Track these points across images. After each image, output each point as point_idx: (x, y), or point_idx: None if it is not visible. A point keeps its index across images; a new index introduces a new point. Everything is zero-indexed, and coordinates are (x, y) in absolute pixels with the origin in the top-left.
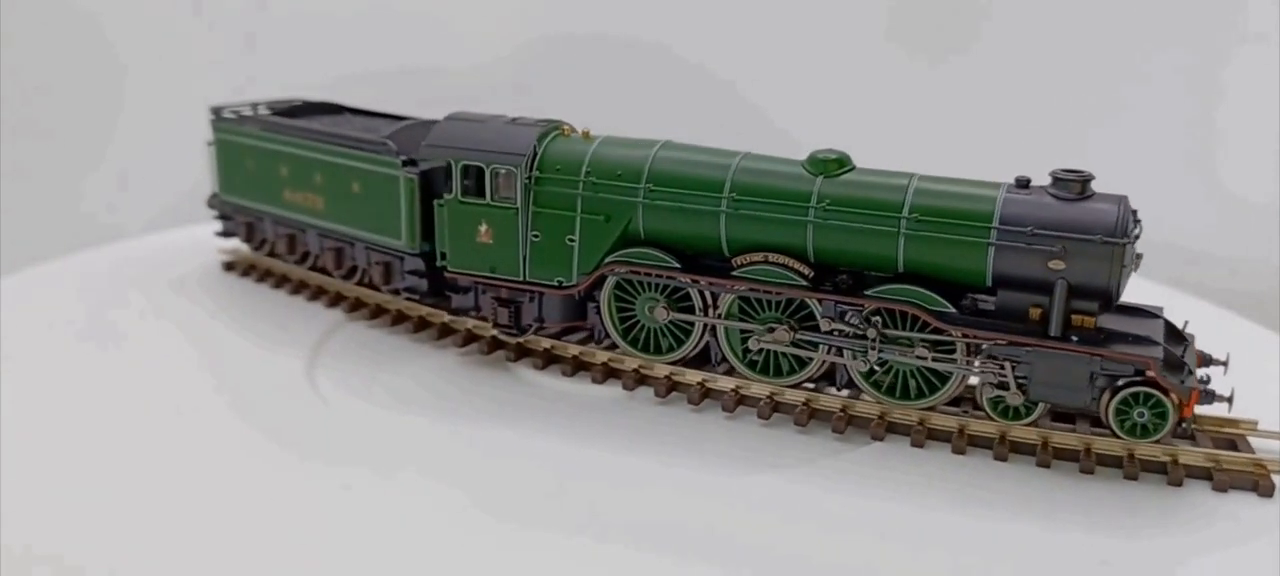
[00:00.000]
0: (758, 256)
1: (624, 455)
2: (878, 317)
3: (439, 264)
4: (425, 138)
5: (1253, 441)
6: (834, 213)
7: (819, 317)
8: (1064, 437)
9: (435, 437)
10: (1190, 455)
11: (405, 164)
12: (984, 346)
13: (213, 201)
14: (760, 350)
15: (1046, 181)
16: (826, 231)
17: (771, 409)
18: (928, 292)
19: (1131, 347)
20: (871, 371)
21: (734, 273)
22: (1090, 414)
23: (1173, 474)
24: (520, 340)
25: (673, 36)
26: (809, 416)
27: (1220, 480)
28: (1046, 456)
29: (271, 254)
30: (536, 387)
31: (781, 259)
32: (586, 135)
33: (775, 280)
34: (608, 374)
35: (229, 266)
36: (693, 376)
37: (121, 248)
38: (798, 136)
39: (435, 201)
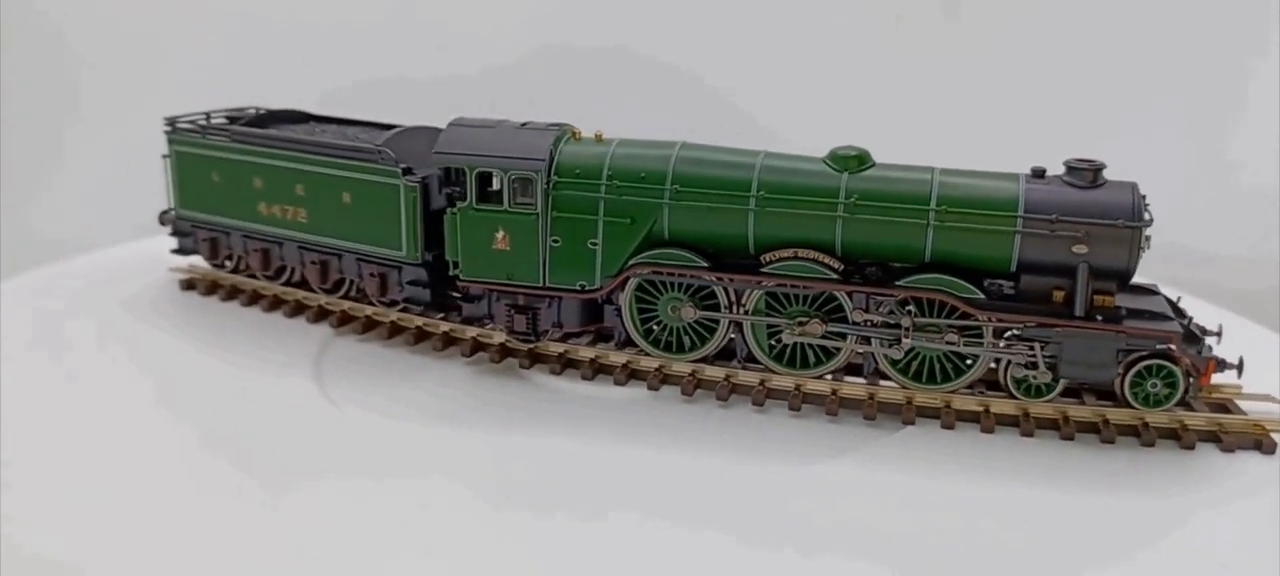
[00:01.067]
0: (787, 252)
1: (681, 454)
2: (911, 307)
3: (452, 273)
4: (412, 145)
5: (1241, 404)
6: (862, 207)
7: (849, 309)
8: (1082, 411)
9: (482, 447)
10: (1196, 420)
11: (404, 172)
12: (1015, 329)
13: (167, 218)
14: (787, 344)
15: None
16: (856, 225)
17: (801, 400)
18: (958, 281)
19: (1149, 323)
20: (899, 358)
21: (764, 269)
22: (1102, 388)
23: (1185, 438)
24: (534, 347)
25: (663, 43)
26: (839, 405)
27: (1228, 441)
28: (1069, 430)
29: (238, 270)
30: (561, 393)
31: (812, 254)
32: (599, 137)
33: (807, 275)
34: (628, 375)
35: (189, 285)
36: (718, 372)
37: (64, 266)
38: (788, 138)
39: (449, 210)
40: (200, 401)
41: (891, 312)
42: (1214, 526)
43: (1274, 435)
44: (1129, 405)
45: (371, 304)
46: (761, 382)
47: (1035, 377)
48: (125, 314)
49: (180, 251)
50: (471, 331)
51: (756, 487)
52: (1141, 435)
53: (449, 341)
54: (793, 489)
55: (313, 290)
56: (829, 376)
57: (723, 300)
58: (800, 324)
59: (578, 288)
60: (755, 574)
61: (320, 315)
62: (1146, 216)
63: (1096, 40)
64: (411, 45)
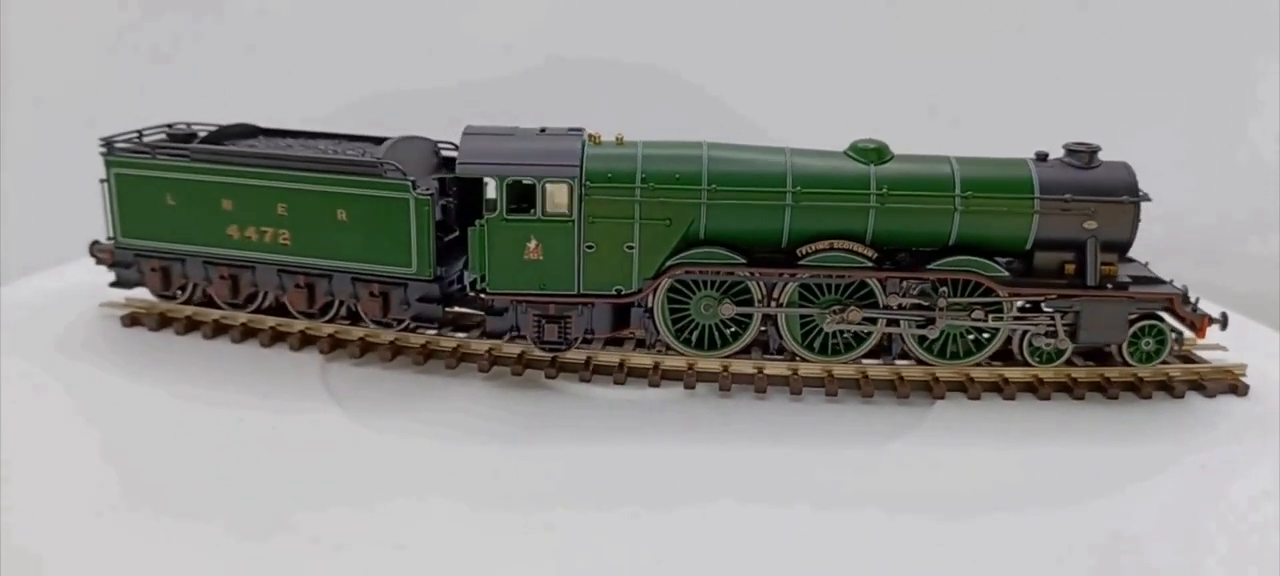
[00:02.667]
0: (823, 244)
1: (751, 446)
2: (944, 288)
3: (479, 288)
4: (405, 156)
5: (1202, 354)
6: (893, 197)
7: (881, 294)
8: (1087, 373)
9: (562, 460)
10: (1181, 372)
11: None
12: (1039, 303)
13: (101, 248)
14: (829, 332)
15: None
16: (886, 215)
17: (837, 386)
18: (985, 260)
19: (1150, 287)
20: (924, 338)
21: (802, 261)
22: (1099, 348)
23: (1177, 389)
24: (560, 356)
25: (654, 51)
26: (873, 388)
27: (1210, 388)
28: (1080, 391)
29: (193, 300)
30: (599, 399)
31: (846, 244)
32: (620, 140)
33: (845, 264)
34: (661, 375)
35: (133, 320)
36: (748, 366)
37: None
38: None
39: (478, 221)
40: (225, 456)
41: (922, 294)
42: (1217, 461)
43: (1243, 379)
44: (1125, 364)
45: (367, 326)
46: (794, 372)
47: (1055, 345)
48: (64, 356)
49: (120, 284)
50: (481, 346)
51: (841, 469)
52: (1140, 389)
53: (463, 358)
54: (873, 465)
55: (290, 315)
56: (855, 361)
57: (757, 294)
58: (837, 312)
59: (614, 292)
60: (888, 543)
61: (304, 342)
62: (1143, 192)
63: (1097, 40)
64: (375, 57)
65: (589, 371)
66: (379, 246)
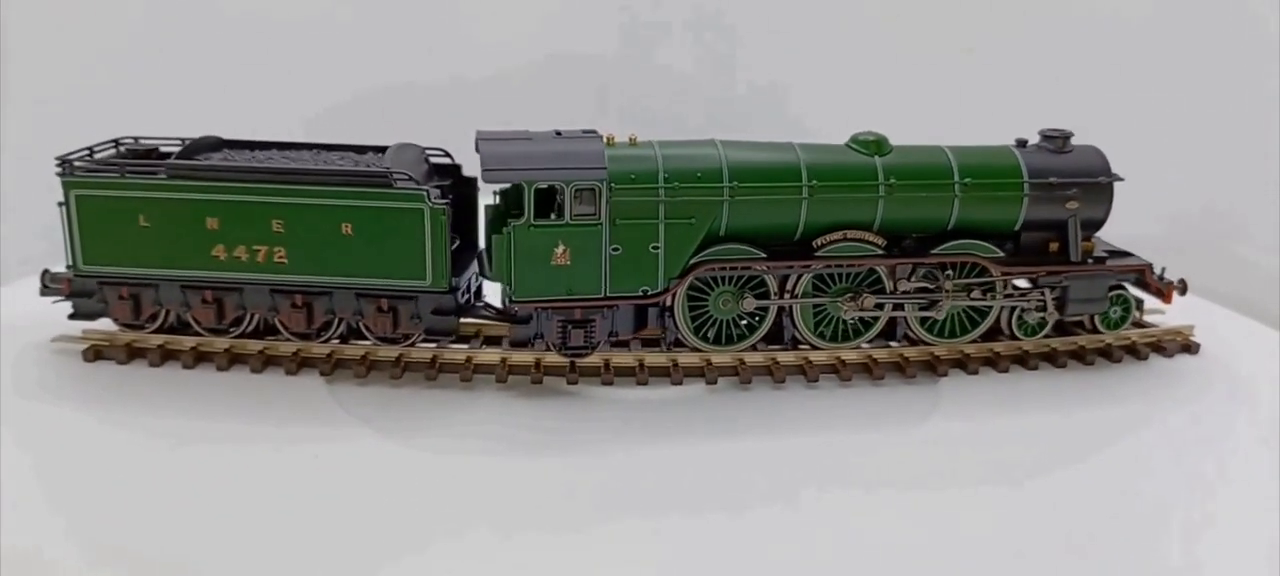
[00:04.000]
0: (837, 235)
1: (797, 437)
2: (949, 271)
3: (509, 297)
4: (402, 165)
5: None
6: (899, 186)
7: (888, 280)
8: (1064, 342)
9: (632, 464)
10: (1143, 336)
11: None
12: (1035, 279)
13: (56, 279)
14: (847, 319)
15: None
16: (894, 203)
17: (850, 371)
18: (984, 243)
19: (1122, 260)
20: (924, 320)
21: (819, 253)
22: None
23: (1141, 352)
24: (580, 361)
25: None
26: (883, 371)
27: (1169, 348)
28: (1062, 359)
29: (164, 328)
30: (624, 401)
31: (858, 234)
32: (633, 141)
33: (859, 253)
34: (683, 373)
35: (96, 354)
36: (760, 358)
37: None
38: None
39: (505, 228)
40: (266, 502)
41: (926, 278)
42: (1196, 410)
43: (1193, 339)
44: (1095, 331)
45: (365, 344)
46: (807, 361)
47: (1046, 318)
48: (21, 399)
49: (80, 316)
50: (491, 356)
51: (894, 449)
52: (1110, 354)
53: (478, 369)
54: (923, 443)
55: (274, 338)
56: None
57: (773, 287)
58: (852, 299)
59: (640, 293)
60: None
61: (301, 364)
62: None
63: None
64: (347, 62)
65: (610, 374)
66: (389, 259)
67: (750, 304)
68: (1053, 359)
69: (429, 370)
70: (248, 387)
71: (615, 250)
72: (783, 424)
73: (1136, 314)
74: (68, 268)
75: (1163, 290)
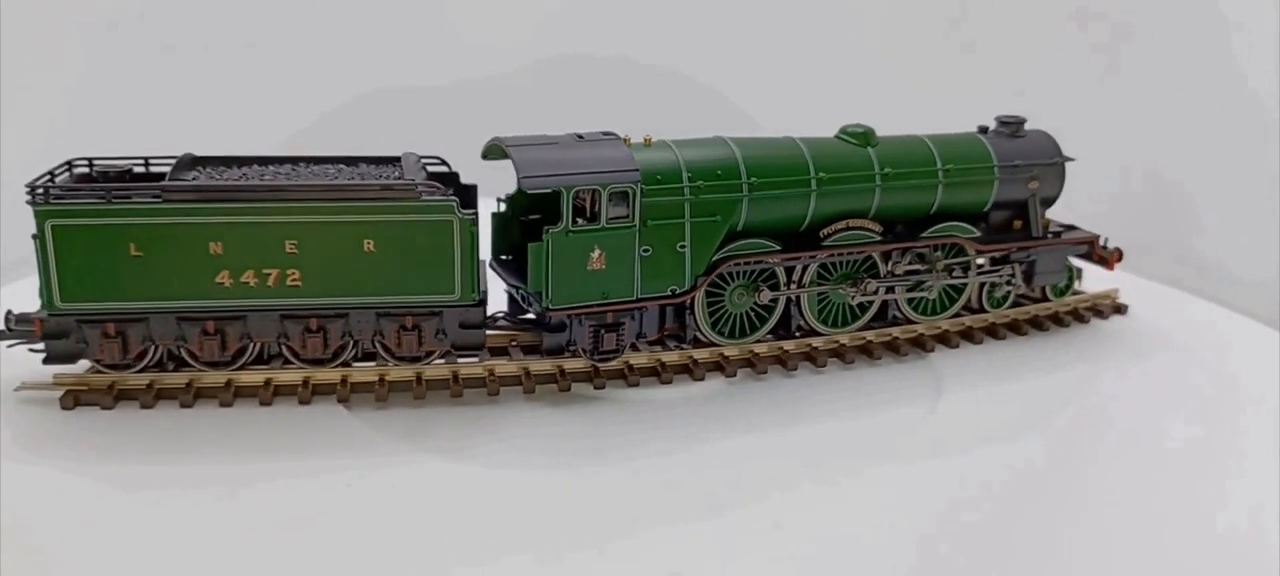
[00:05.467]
0: (840, 225)
1: (831, 421)
2: (938, 253)
3: (543, 306)
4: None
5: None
6: (892, 176)
7: (882, 265)
8: (1019, 312)
9: (696, 463)
10: (1082, 302)
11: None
12: (1006, 256)
13: (20, 321)
14: (833, 307)
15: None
16: (888, 192)
17: (853, 355)
18: (965, 225)
19: (1072, 233)
20: (912, 300)
21: (826, 242)
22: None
23: (1083, 316)
24: (604, 365)
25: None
26: (881, 352)
27: (1104, 310)
28: (1024, 328)
29: (151, 366)
30: (657, 401)
31: (859, 222)
32: (648, 142)
33: (861, 241)
34: (705, 369)
35: (75, 400)
36: (764, 349)
37: None
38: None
39: (544, 233)
40: (329, 530)
41: (915, 261)
42: (1147, 361)
43: (1120, 300)
44: (1045, 299)
45: (378, 365)
46: (812, 348)
47: (1011, 291)
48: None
49: (56, 360)
50: (510, 367)
51: (922, 421)
52: (1061, 320)
53: (504, 382)
54: (941, 421)
55: (287, 363)
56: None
57: (783, 278)
58: (853, 284)
59: (669, 292)
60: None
61: (312, 391)
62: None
63: None
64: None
65: (636, 376)
66: (415, 275)
67: (766, 296)
68: (1017, 328)
69: (453, 386)
70: (260, 422)
71: (645, 251)
72: (809, 411)
73: (1076, 282)
74: (41, 307)
75: (1106, 258)
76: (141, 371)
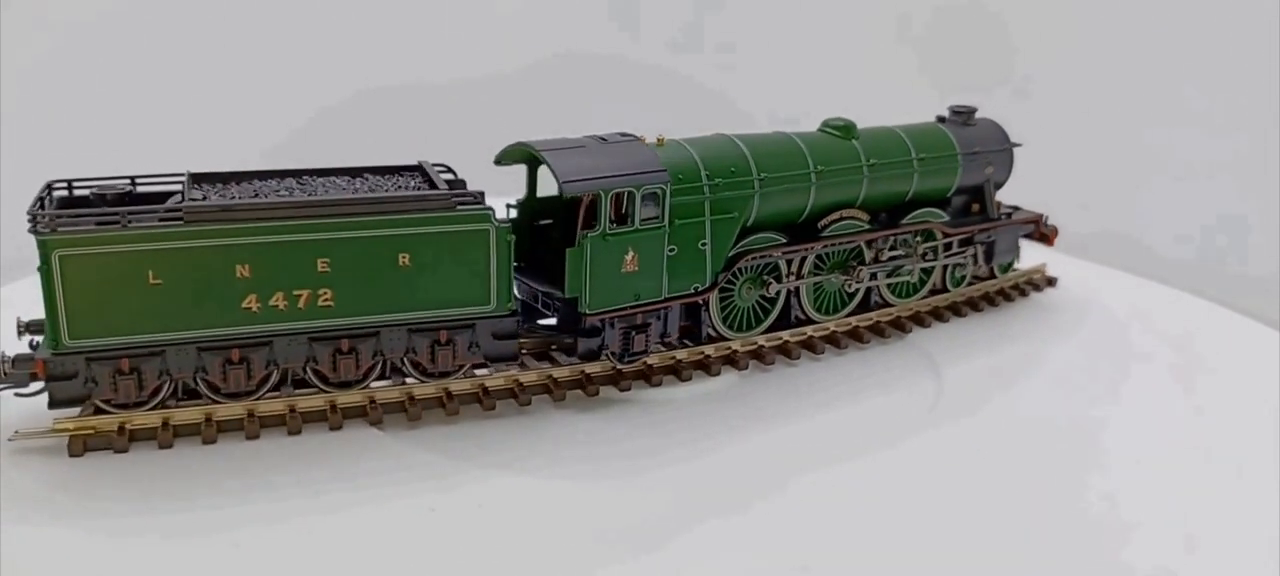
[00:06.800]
0: (835, 215)
1: (850, 407)
2: (919, 238)
3: (581, 310)
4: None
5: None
6: (878, 166)
7: (867, 252)
8: (974, 290)
9: (729, 463)
10: (1022, 277)
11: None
12: (971, 238)
13: (19, 363)
14: (826, 294)
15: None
16: (874, 182)
17: (846, 341)
18: (935, 210)
19: (1021, 213)
20: (893, 284)
21: (824, 234)
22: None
23: (1027, 291)
24: (624, 368)
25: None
26: (868, 336)
27: (1038, 283)
28: (980, 304)
29: (165, 403)
30: (681, 399)
31: (851, 212)
32: (661, 142)
33: (855, 230)
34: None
35: (83, 445)
36: (765, 339)
37: None
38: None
39: (580, 238)
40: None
41: (895, 246)
42: (1091, 323)
43: (1048, 274)
44: (993, 276)
45: (400, 382)
46: (810, 336)
47: (967, 271)
48: (25, 526)
49: (62, 403)
50: (530, 376)
51: (942, 396)
52: (1010, 295)
53: (537, 391)
54: (955, 391)
55: (310, 389)
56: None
57: (784, 270)
58: (847, 272)
59: (692, 290)
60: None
61: (340, 420)
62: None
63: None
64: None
65: (659, 376)
66: (449, 286)
67: (774, 288)
68: (975, 305)
69: (484, 399)
70: (296, 452)
71: (671, 251)
72: (824, 397)
73: (1016, 260)
74: (47, 345)
75: (1047, 234)
76: (153, 408)
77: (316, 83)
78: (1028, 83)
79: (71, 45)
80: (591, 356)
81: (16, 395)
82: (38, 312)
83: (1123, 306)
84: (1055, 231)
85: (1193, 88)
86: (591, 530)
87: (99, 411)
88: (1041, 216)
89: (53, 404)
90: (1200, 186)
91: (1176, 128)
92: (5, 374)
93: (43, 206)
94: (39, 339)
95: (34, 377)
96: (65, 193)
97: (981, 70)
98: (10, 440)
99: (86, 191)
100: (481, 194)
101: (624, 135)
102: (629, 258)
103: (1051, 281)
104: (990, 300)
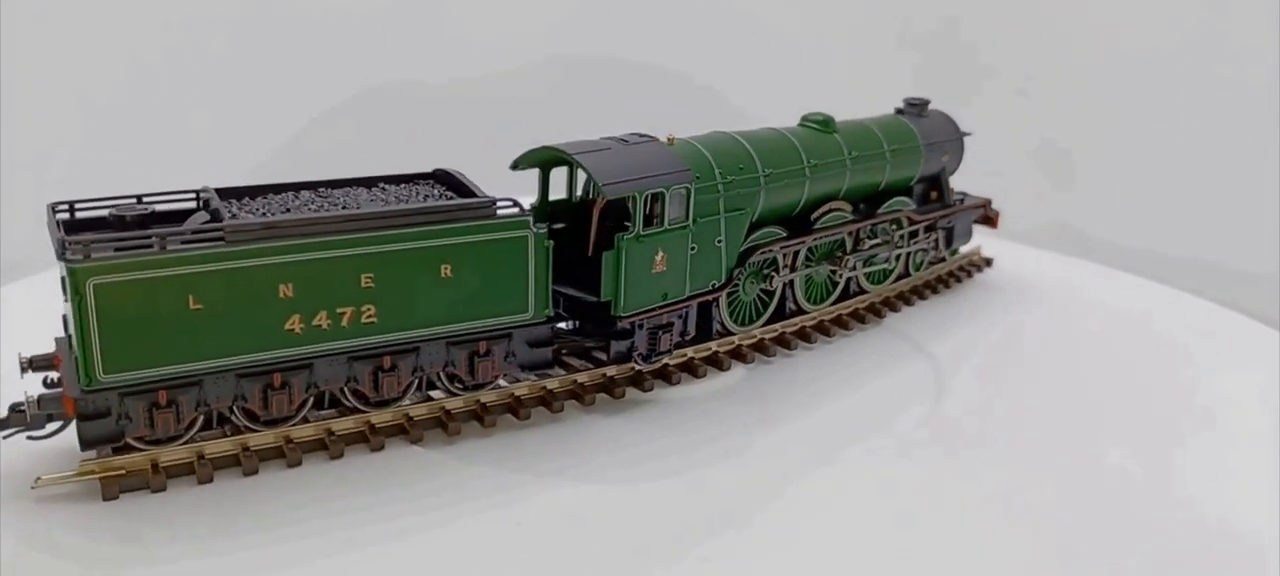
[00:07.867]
0: (825, 208)
1: (857, 394)
2: (896, 226)
3: (615, 313)
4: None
5: None
6: (858, 159)
7: (851, 242)
8: (928, 274)
9: (776, 447)
10: (965, 259)
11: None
12: (933, 224)
13: (43, 404)
14: (814, 285)
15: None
16: (855, 173)
17: (834, 329)
18: (904, 199)
19: (970, 199)
20: (870, 272)
21: (816, 226)
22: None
23: (972, 273)
24: (643, 368)
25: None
26: (853, 323)
27: (978, 265)
28: (935, 286)
29: (196, 436)
30: (700, 396)
31: (837, 204)
32: (671, 141)
33: (844, 221)
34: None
35: (117, 488)
36: (771, 331)
37: None
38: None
39: (617, 241)
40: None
41: (875, 234)
42: (1035, 299)
43: (985, 255)
44: (944, 259)
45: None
46: (802, 327)
47: (935, 255)
48: None
49: (95, 443)
50: (551, 382)
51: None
52: (958, 277)
53: (565, 397)
54: (943, 367)
55: (345, 410)
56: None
57: (781, 262)
58: (834, 262)
59: (710, 287)
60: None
61: (382, 442)
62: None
63: None
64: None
65: (678, 374)
66: (490, 297)
67: (776, 281)
68: (934, 288)
69: (519, 409)
70: (345, 476)
71: (692, 249)
72: (829, 382)
73: (967, 243)
74: (79, 382)
75: (991, 218)
76: (186, 442)
77: (309, 91)
78: (1027, 82)
79: (61, 48)
80: (623, 359)
81: (30, 438)
82: (37, 342)
83: (1078, 284)
84: (998, 215)
85: (1193, 87)
86: (670, 528)
87: (125, 449)
88: (988, 201)
89: (85, 445)
90: (1200, 186)
91: (1176, 127)
92: (32, 419)
93: (62, 228)
94: (53, 375)
95: (51, 419)
96: (67, 215)
97: (954, 67)
98: (33, 487)
99: (103, 213)
100: (517, 201)
101: (641, 136)
102: (659, 258)
103: (988, 262)
104: (944, 282)
